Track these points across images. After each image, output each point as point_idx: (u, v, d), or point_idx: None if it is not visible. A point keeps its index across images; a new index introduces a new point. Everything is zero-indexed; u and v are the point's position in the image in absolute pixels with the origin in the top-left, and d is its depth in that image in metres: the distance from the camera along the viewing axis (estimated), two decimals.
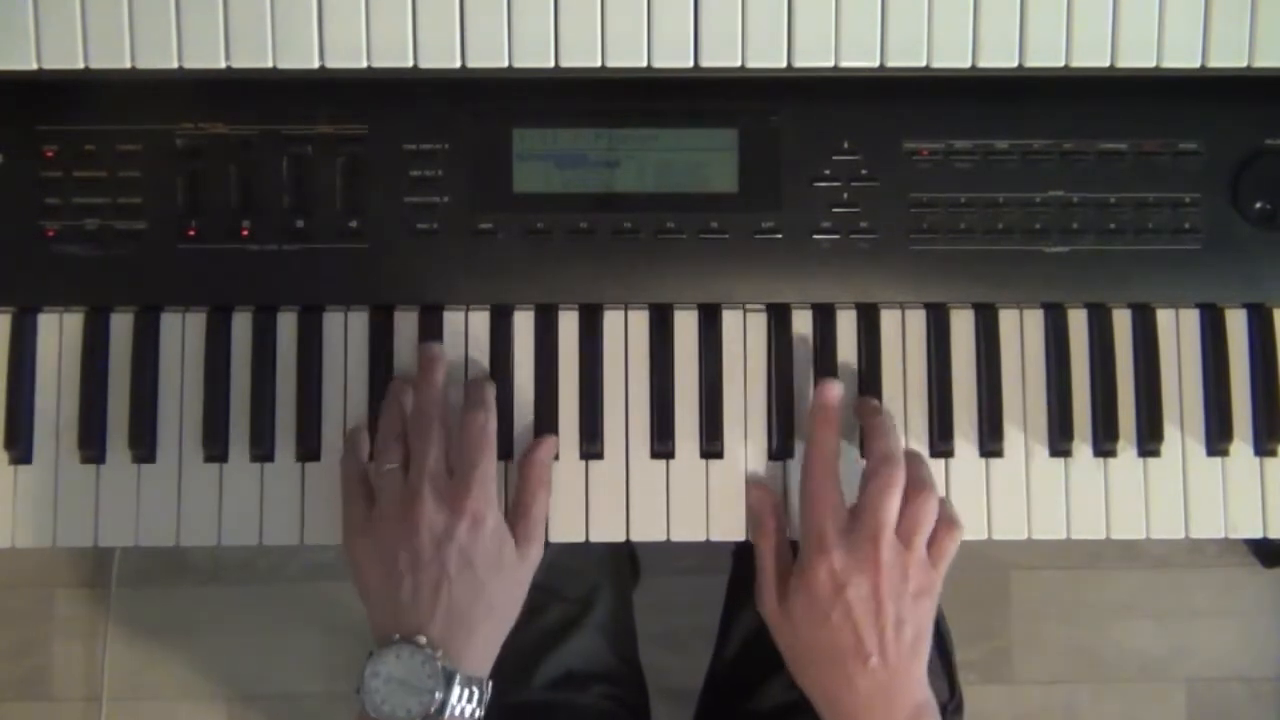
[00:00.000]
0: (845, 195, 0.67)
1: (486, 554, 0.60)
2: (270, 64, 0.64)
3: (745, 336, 0.67)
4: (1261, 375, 0.67)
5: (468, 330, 0.67)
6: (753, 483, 0.66)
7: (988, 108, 0.67)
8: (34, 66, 0.64)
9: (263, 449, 0.66)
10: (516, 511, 0.64)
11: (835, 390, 0.64)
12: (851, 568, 0.59)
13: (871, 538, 0.59)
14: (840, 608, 0.59)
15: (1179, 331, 0.67)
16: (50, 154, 0.66)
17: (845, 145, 0.67)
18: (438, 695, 0.55)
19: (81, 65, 0.64)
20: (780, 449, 0.66)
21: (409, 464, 0.62)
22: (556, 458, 0.66)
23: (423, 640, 0.56)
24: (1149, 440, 0.67)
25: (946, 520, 0.63)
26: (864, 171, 0.67)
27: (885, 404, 0.66)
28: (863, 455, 0.65)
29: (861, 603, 0.59)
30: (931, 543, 0.62)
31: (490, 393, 0.64)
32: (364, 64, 0.64)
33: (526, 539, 0.63)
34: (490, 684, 0.59)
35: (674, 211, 0.67)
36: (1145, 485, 0.67)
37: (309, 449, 0.66)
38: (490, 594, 0.60)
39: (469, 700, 0.57)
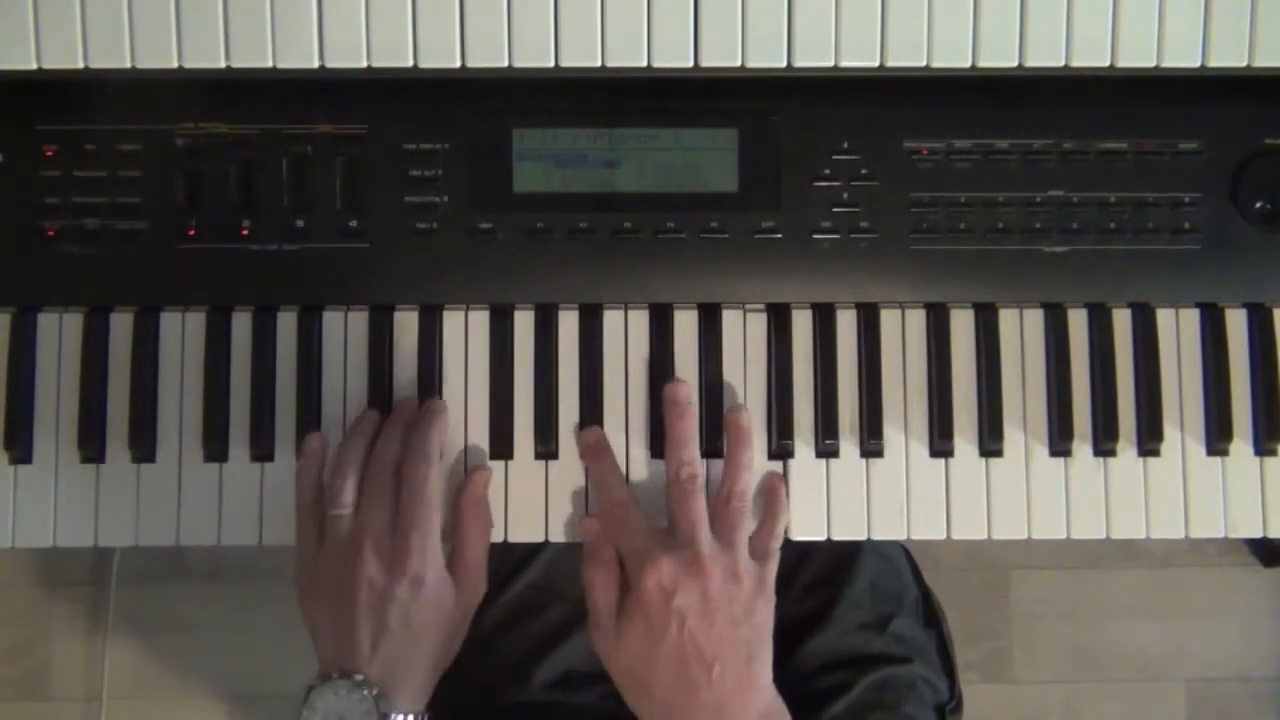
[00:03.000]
0: (845, 195, 0.67)
1: (426, 610, 0.60)
2: (270, 64, 0.64)
3: (745, 336, 0.67)
4: (1261, 375, 0.67)
5: (468, 330, 0.67)
6: (586, 516, 0.66)
7: (988, 108, 0.67)
8: (34, 66, 0.63)
9: (263, 449, 0.66)
10: (454, 552, 0.63)
11: (596, 434, 0.66)
12: (679, 573, 0.59)
13: (689, 542, 0.60)
14: (675, 620, 0.59)
15: (1179, 331, 0.67)
16: (50, 154, 0.66)
17: (845, 145, 0.67)
18: None
19: (81, 65, 0.64)
20: (780, 449, 0.66)
21: (358, 511, 0.61)
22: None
23: (360, 678, 0.57)
24: (1149, 440, 0.67)
25: (769, 512, 0.64)
26: (864, 171, 0.67)
27: (885, 404, 0.66)
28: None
29: (695, 612, 0.59)
30: (754, 537, 0.63)
31: (433, 437, 0.62)
32: (364, 64, 0.64)
33: (465, 583, 0.62)
34: (428, 715, 0.60)
35: (674, 211, 0.67)
36: (1145, 485, 0.67)
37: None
38: (430, 642, 0.60)
39: None
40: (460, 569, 0.63)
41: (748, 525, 0.63)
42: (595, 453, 0.65)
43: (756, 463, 0.66)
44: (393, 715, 0.57)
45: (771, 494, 0.65)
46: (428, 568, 0.60)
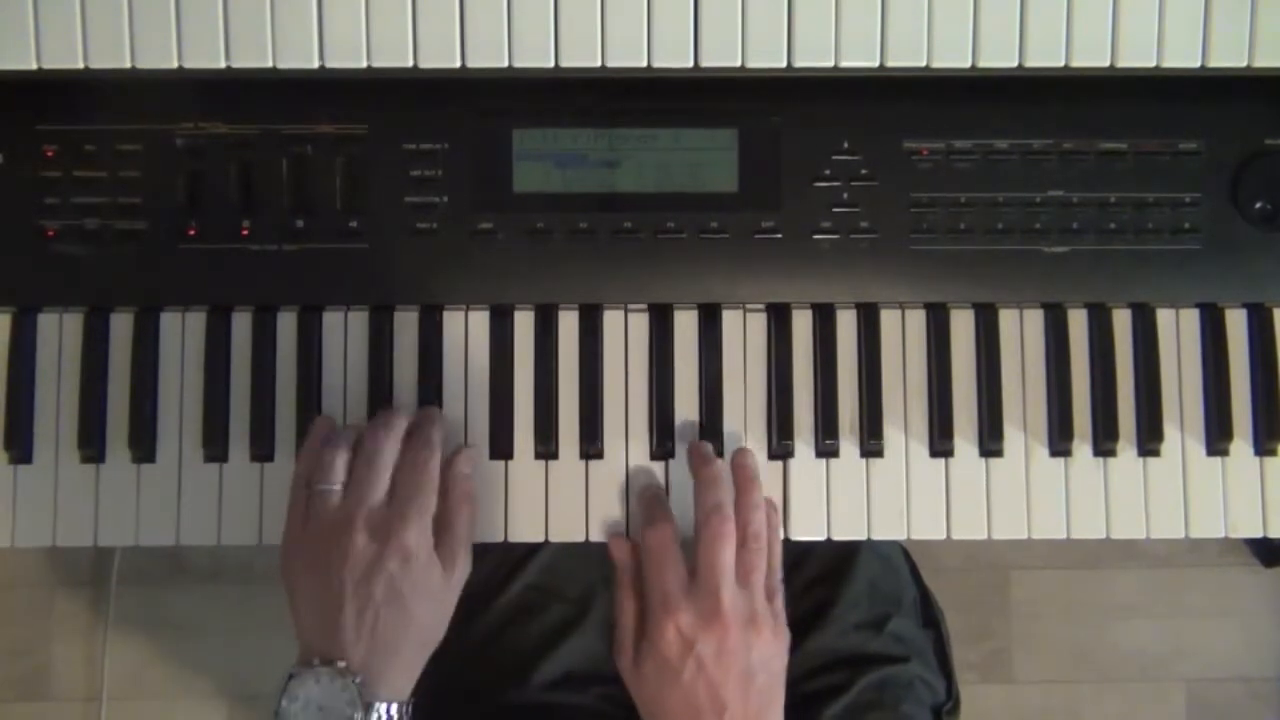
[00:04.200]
0: (845, 195, 0.67)
1: (415, 586, 0.59)
2: (270, 64, 0.64)
3: (745, 336, 0.67)
4: (1261, 375, 0.67)
5: (468, 330, 0.67)
6: (614, 534, 0.66)
7: (988, 108, 0.67)
8: (34, 66, 0.64)
9: (263, 449, 0.66)
10: (439, 529, 0.62)
11: (654, 489, 0.66)
12: (698, 625, 0.59)
13: (713, 592, 0.59)
14: (691, 666, 0.59)
15: (1179, 331, 0.67)
16: (50, 154, 0.66)
17: (845, 145, 0.67)
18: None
19: (81, 65, 0.64)
20: (780, 449, 0.66)
21: (348, 488, 0.60)
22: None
23: (343, 665, 0.56)
24: (1149, 440, 0.67)
25: (773, 550, 0.63)
26: (864, 171, 0.67)
27: (885, 404, 0.66)
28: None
29: (713, 659, 0.59)
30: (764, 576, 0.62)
31: (436, 430, 0.63)
32: (364, 64, 0.64)
33: (451, 558, 0.62)
34: (411, 704, 0.59)
35: (674, 211, 0.67)
36: (1145, 485, 0.67)
37: None
38: (417, 621, 0.59)
39: None
40: (447, 544, 0.62)
41: (764, 565, 0.62)
42: (646, 492, 0.65)
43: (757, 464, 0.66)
44: (376, 704, 0.56)
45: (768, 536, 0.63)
46: (419, 543, 0.59)
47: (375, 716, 0.56)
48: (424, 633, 0.60)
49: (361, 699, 0.55)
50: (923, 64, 0.65)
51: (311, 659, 0.57)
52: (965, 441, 0.67)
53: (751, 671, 0.60)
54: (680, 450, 0.66)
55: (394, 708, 0.57)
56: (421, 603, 0.59)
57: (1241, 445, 0.67)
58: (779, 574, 0.64)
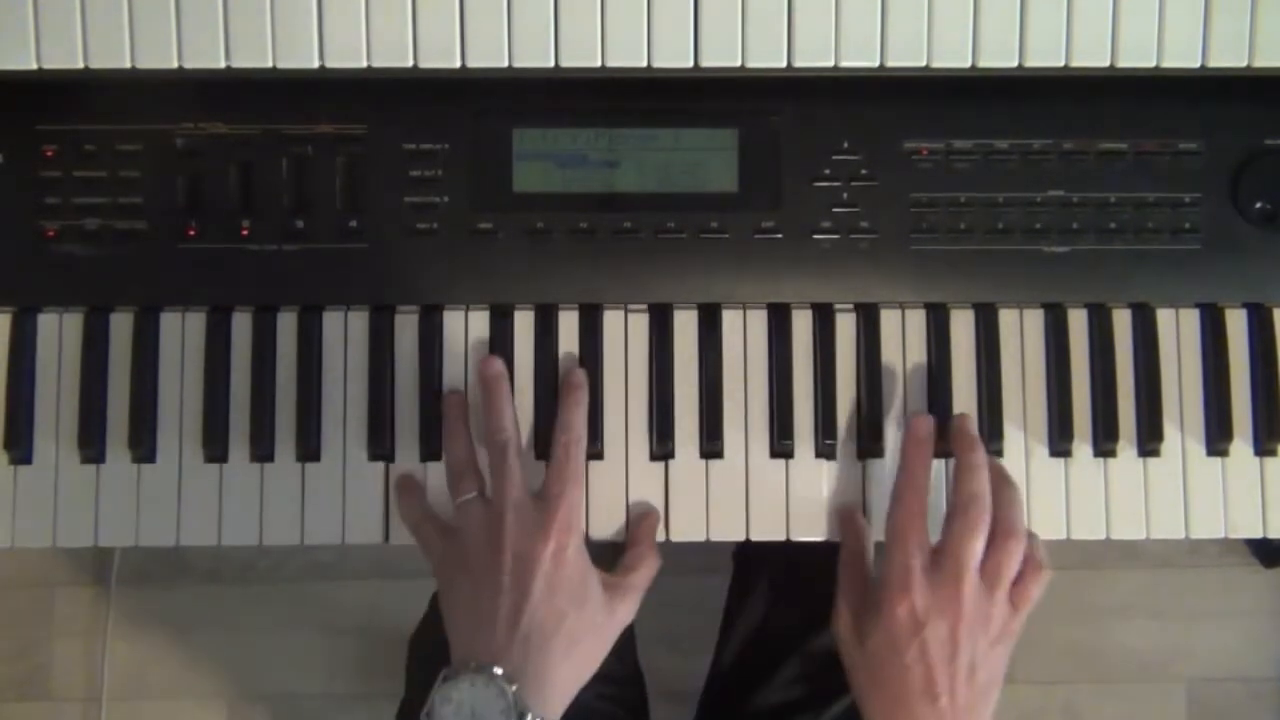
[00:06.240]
0: (845, 195, 0.67)
1: (570, 583, 0.59)
2: (270, 64, 0.64)
3: (745, 336, 0.67)
4: (1261, 375, 0.67)
5: (468, 330, 0.67)
6: (841, 505, 0.66)
7: (988, 108, 0.67)
8: (34, 66, 0.64)
9: (263, 449, 0.66)
10: (622, 567, 0.64)
11: (928, 425, 0.64)
12: (933, 608, 0.59)
13: (954, 579, 0.59)
14: (916, 647, 0.59)
15: (1179, 331, 0.67)
16: (50, 154, 0.66)
17: (845, 145, 0.67)
18: None
19: (81, 65, 0.64)
20: (780, 449, 0.66)
21: (485, 490, 0.62)
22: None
23: (499, 671, 0.55)
24: (1149, 440, 0.67)
25: (1034, 563, 0.62)
26: (864, 171, 0.67)
27: (884, 404, 0.66)
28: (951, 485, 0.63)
29: (938, 644, 0.58)
30: (1015, 585, 0.61)
31: (581, 416, 0.64)
32: (364, 64, 0.64)
33: (621, 594, 0.62)
34: None
35: (674, 211, 0.67)
36: (1145, 485, 0.67)
37: (309, 449, 0.66)
38: (571, 627, 0.59)
39: None
40: (625, 583, 0.63)
41: (1014, 570, 0.61)
42: (920, 446, 0.64)
43: (758, 464, 0.66)
44: (528, 715, 0.55)
45: (1028, 548, 0.62)
46: (571, 536, 0.60)
47: None
48: (578, 648, 0.59)
49: (515, 708, 0.55)
50: (923, 64, 0.65)
51: (468, 661, 0.56)
52: None
53: (974, 665, 0.59)
54: (680, 450, 0.66)
55: None
56: (576, 607, 0.59)
57: (1241, 445, 0.67)
58: (1038, 593, 0.62)
